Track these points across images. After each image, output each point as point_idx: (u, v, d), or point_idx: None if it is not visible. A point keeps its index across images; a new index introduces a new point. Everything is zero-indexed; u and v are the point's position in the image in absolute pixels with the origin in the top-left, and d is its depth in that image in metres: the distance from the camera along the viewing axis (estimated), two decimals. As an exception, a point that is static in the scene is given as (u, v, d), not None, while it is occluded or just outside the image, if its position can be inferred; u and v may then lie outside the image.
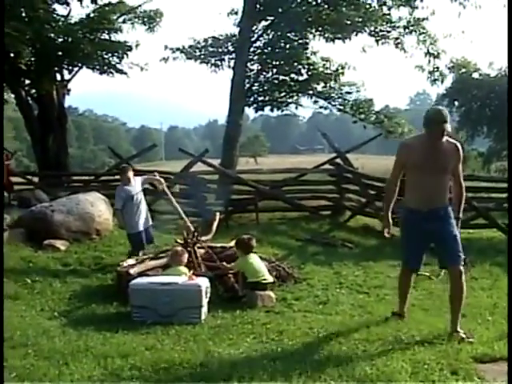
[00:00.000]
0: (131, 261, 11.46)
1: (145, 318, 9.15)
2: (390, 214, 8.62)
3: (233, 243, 11.69)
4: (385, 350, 7.34)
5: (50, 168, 24.54)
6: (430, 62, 27.19)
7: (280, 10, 25.75)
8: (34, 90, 26.07)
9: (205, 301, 9.46)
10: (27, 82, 25.74)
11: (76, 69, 26.53)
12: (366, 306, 10.27)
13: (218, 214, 13.93)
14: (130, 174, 13.22)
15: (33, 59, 23.99)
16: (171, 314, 9.10)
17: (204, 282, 9.68)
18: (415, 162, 7.98)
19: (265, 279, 10.66)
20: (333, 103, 27.44)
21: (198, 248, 11.40)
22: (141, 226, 12.99)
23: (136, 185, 13.18)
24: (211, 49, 27.40)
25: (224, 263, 11.20)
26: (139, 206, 13.05)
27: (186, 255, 10.80)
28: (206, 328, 8.73)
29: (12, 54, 22.94)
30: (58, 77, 26.42)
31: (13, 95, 27.42)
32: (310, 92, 26.78)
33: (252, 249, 11.03)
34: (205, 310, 9.42)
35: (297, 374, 6.53)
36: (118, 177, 22.98)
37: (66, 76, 26.79)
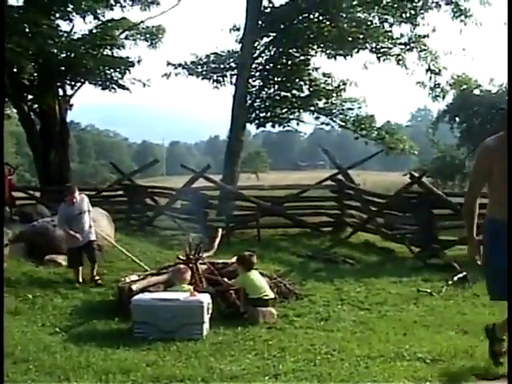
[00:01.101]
0: (133, 277, 11.46)
1: (146, 333, 9.12)
2: (474, 237, 6.97)
3: (234, 259, 11.70)
4: (386, 366, 7.32)
5: (51, 183, 24.54)
6: (431, 78, 27.33)
7: (282, 26, 25.90)
8: (36, 105, 26.19)
9: (206, 317, 9.45)
10: (30, 96, 25.89)
11: (78, 84, 26.65)
12: (367, 322, 10.24)
13: (220, 230, 13.94)
14: (75, 194, 13.25)
15: (35, 74, 24.16)
16: (173, 330, 9.09)
17: (206, 298, 9.67)
18: (502, 166, 6.44)
19: (266, 295, 10.65)
20: (334, 119, 27.53)
21: (200, 264, 11.39)
22: (76, 243, 13.05)
23: (80, 204, 13.27)
24: (213, 65, 27.55)
25: (225, 279, 11.19)
26: (79, 224, 13.09)
27: (189, 273, 10.78)
28: (207, 344, 8.73)
29: (15, 69, 23.06)
30: (61, 92, 26.57)
31: (15, 110, 27.52)
32: (312, 108, 26.88)
33: (253, 265, 11.02)
34: (206, 326, 9.41)
35: (298, 390, 6.53)
36: (120, 192, 23.22)
37: (69, 91, 26.96)
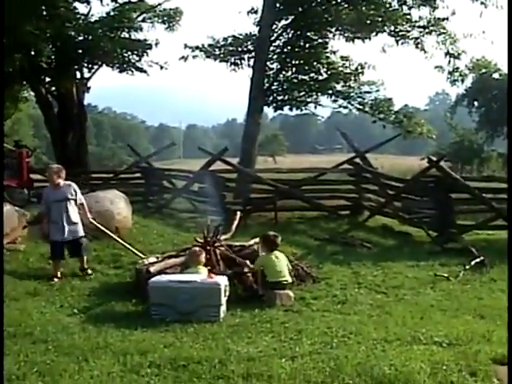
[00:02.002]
0: (151, 259, 11.49)
1: (164, 315, 9.17)
2: None
3: (252, 242, 11.73)
4: (403, 350, 7.32)
5: (69, 165, 24.48)
6: (449, 62, 27.13)
7: (300, 9, 25.78)
8: (54, 88, 26.26)
9: (224, 299, 9.49)
10: (47, 79, 25.94)
11: (96, 67, 26.67)
12: (384, 305, 10.25)
13: (238, 213, 13.94)
14: (56, 177, 12.29)
15: (53, 57, 24.18)
16: (190, 312, 9.13)
17: (223, 281, 9.70)
18: None
19: (285, 280, 10.68)
20: (352, 102, 27.40)
21: (218, 246, 11.41)
22: (60, 236, 12.18)
23: (65, 190, 12.31)
24: (231, 48, 27.47)
25: (245, 261, 11.21)
26: (62, 213, 12.15)
27: (204, 255, 10.83)
28: (224, 326, 8.77)
29: (33, 52, 23.11)
30: (78, 74, 26.61)
31: (33, 93, 27.61)
32: (329, 91, 26.75)
33: (277, 246, 11.08)
34: (224, 308, 9.45)
35: (315, 372, 6.54)
36: (137, 175, 23.29)
37: (86, 74, 27.01)
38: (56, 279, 11.82)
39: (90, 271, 12.34)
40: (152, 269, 10.61)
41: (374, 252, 15.44)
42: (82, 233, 12.46)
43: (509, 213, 15.00)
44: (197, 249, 11.04)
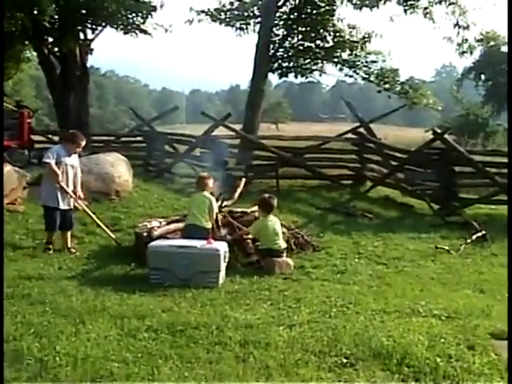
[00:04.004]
0: (154, 223, 11.48)
1: (162, 280, 9.19)
2: None
3: (254, 208, 11.73)
4: (402, 321, 7.35)
5: (70, 127, 24.45)
6: (458, 33, 26.86)
7: (307, -27, 25.50)
8: (56, 48, 26.02)
9: (223, 265, 9.50)
10: (50, 39, 25.70)
11: (99, 28, 26.44)
12: (384, 276, 10.28)
13: (243, 179, 13.91)
14: (81, 146, 11.73)
15: (56, 17, 23.93)
16: (189, 278, 9.15)
17: (223, 247, 9.70)
18: None
19: (278, 245, 10.67)
20: (358, 71, 27.20)
21: (219, 212, 11.39)
22: (60, 204, 11.38)
23: (75, 159, 11.78)
24: (236, 12, 27.19)
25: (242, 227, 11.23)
26: (68, 180, 11.45)
27: (212, 180, 10.95)
28: (222, 292, 8.79)
29: (35, 11, 22.90)
30: (81, 36, 26.36)
31: (35, 53, 27.43)
32: (335, 59, 26.57)
33: (272, 208, 11.04)
34: (222, 274, 9.46)
35: (313, 341, 6.56)
36: (139, 138, 23.22)
37: (89, 35, 26.73)
38: (51, 252, 11.24)
39: (74, 250, 11.41)
40: (154, 233, 10.62)
41: (375, 223, 15.46)
42: (72, 205, 11.68)
43: (509, 210, 14.93)
44: (204, 174, 11.10)
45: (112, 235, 12.05)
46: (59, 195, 11.32)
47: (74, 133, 12.08)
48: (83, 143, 11.71)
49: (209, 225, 10.58)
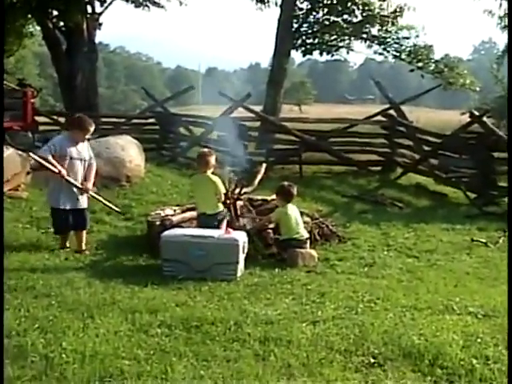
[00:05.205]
0: (167, 211, 11.50)
1: (176, 272, 9.20)
2: None
3: (274, 196, 11.72)
4: (434, 319, 7.31)
5: (77, 108, 24.49)
6: (500, 5, 26.70)
7: None
8: (62, 23, 25.96)
9: (242, 257, 9.50)
10: (55, 12, 25.63)
11: (109, 1, 26.41)
12: (415, 270, 10.25)
13: (264, 164, 13.89)
14: (90, 131, 10.94)
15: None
16: (205, 270, 9.16)
17: (241, 237, 9.69)
18: None
19: (300, 235, 10.68)
20: (388, 49, 27.16)
21: (238, 200, 11.38)
22: (66, 204, 10.64)
23: (83, 149, 10.92)
24: (257, -17, 27.16)
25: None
26: (77, 176, 10.70)
27: (214, 156, 10.77)
28: (241, 286, 8.81)
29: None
30: (89, 9, 26.33)
31: (39, 28, 27.37)
32: (364, 36, 26.52)
33: (292, 197, 11.00)
34: (241, 266, 9.47)
35: (338, 338, 6.56)
36: (152, 120, 23.26)
37: (98, 8, 26.70)
38: (63, 250, 10.73)
39: (87, 251, 10.81)
40: (167, 222, 10.64)
41: (405, 212, 15.43)
42: (85, 204, 11.00)
43: (509, 208, 14.82)
44: (205, 150, 11.05)
45: (116, 208, 12.08)
46: (62, 195, 10.62)
47: (80, 117, 11.14)
48: (92, 129, 10.89)
49: (220, 207, 10.56)
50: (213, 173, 10.73)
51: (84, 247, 10.89)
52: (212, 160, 10.68)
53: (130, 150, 16.06)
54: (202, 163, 10.69)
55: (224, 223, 10.41)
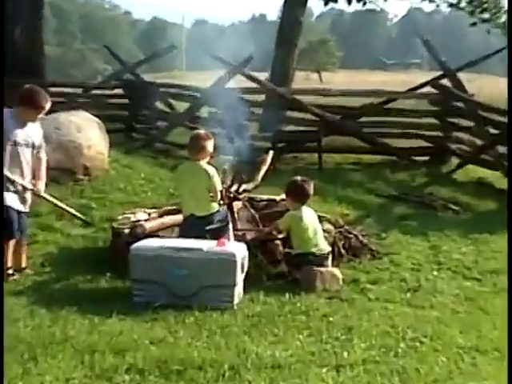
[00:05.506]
0: (139, 215, 11.50)
1: (151, 297, 9.22)
2: None
3: (284, 195, 11.72)
4: (502, 366, 7.32)
5: (16, 74, 24.47)
6: None
7: None
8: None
9: (240, 277, 9.51)
10: None
11: None
12: (476, 298, 10.26)
13: (270, 152, 13.89)
14: (46, 108, 10.64)
15: None
16: (190, 295, 9.20)
17: (240, 250, 9.66)
18: None
19: (318, 248, 10.66)
20: (440, -6, 27.15)
21: (235, 200, 11.37)
22: (14, 201, 10.36)
23: (35, 132, 10.76)
24: None
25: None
26: (22, 165, 10.47)
27: (212, 141, 10.80)
28: (239, 317, 8.82)
29: None
30: None
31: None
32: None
33: (307, 198, 10.97)
34: (239, 290, 9.51)
35: (371, 391, 6.60)
36: (118, 91, 23.26)
37: None
38: (9, 272, 10.41)
39: (27, 269, 10.75)
40: (139, 230, 10.64)
41: (463, 218, 15.46)
42: (27, 208, 10.78)
43: (509, 208, 14.85)
44: (202, 132, 11.06)
45: (80, 216, 12.20)
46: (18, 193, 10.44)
47: (31, 90, 10.78)
48: (48, 106, 10.61)
49: (214, 208, 10.56)
50: (209, 163, 10.71)
51: (24, 264, 10.75)
52: (209, 146, 10.69)
53: (88, 132, 16.01)
54: (196, 149, 10.72)
55: (226, 231, 10.41)
